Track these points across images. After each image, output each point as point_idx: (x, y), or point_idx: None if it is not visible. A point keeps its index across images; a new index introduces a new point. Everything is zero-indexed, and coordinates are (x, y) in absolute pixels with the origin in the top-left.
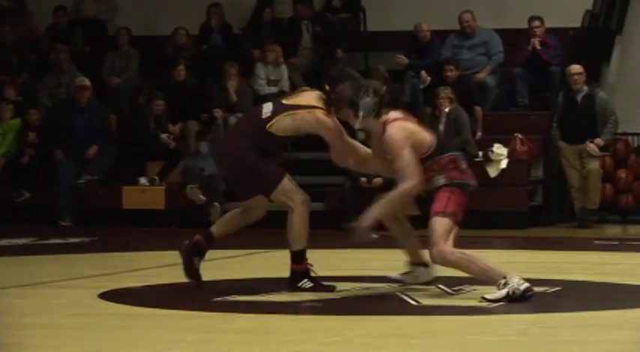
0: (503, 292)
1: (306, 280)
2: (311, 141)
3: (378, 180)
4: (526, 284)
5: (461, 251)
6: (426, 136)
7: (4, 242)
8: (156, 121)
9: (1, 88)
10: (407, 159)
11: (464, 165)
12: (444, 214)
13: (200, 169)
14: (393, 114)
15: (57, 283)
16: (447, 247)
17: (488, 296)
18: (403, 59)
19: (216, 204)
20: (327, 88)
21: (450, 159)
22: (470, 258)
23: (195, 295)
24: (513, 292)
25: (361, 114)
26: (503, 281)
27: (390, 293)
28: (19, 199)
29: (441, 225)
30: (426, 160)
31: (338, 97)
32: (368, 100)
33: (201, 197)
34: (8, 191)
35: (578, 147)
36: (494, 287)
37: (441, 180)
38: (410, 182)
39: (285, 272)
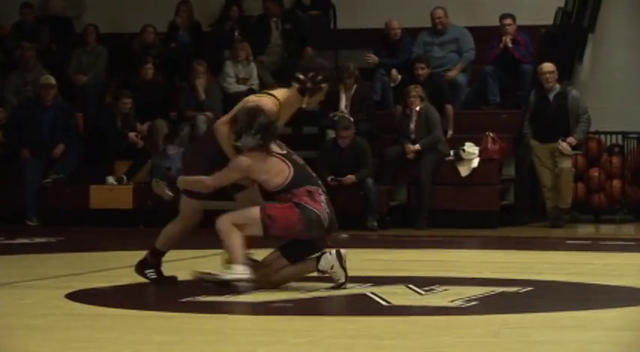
0: (226, 278)
1: (152, 270)
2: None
3: (349, 179)
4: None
5: (234, 227)
6: (281, 169)
7: None
8: (123, 120)
9: None
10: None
11: (320, 197)
12: (275, 229)
13: (167, 168)
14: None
15: (23, 283)
16: (229, 221)
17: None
18: (373, 58)
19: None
20: (300, 76)
21: (306, 190)
22: (235, 237)
23: (163, 296)
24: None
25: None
26: (234, 268)
27: (360, 294)
28: None
29: (250, 211)
30: (282, 192)
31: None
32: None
33: (168, 192)
34: None
35: (550, 146)
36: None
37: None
38: (211, 179)
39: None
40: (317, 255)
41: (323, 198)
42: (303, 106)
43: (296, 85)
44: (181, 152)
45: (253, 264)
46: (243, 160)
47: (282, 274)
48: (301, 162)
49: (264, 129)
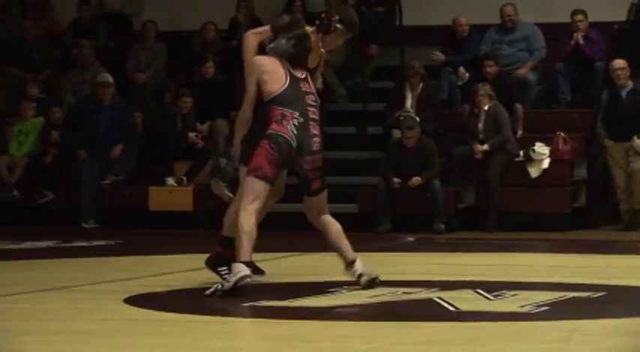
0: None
1: (225, 268)
2: (343, 140)
3: (415, 181)
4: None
5: (253, 223)
6: (280, 79)
7: (27, 244)
8: (183, 120)
9: (24, 86)
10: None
11: (288, 122)
12: (249, 172)
13: (234, 169)
14: None
15: (80, 287)
16: (248, 210)
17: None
18: (439, 56)
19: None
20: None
21: (280, 113)
22: (247, 235)
23: (223, 300)
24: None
25: None
26: (233, 267)
27: (426, 299)
28: (41, 200)
29: (247, 184)
30: (268, 103)
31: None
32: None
33: (227, 193)
34: (31, 192)
35: (624, 145)
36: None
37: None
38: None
39: (315, 276)
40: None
41: (294, 122)
42: (320, 47)
43: (309, 29)
44: None
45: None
46: (258, 58)
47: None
48: (305, 89)
49: (299, 38)
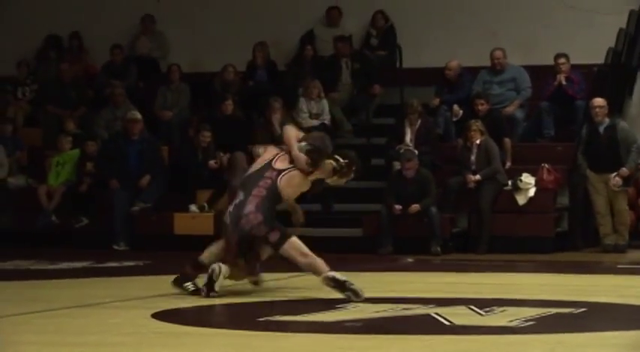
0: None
1: (191, 283)
2: None
3: (414, 207)
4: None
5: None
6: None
7: (64, 265)
8: (203, 152)
9: (62, 121)
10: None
11: (233, 202)
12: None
13: None
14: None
15: (112, 304)
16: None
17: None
18: (435, 101)
19: None
20: (340, 160)
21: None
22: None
23: (240, 315)
24: None
25: None
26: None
27: (424, 314)
28: (77, 225)
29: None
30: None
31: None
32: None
33: None
34: (68, 217)
35: (603, 177)
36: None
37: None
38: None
39: (325, 294)
40: None
41: (236, 201)
42: (328, 182)
43: (332, 164)
44: None
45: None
46: (273, 149)
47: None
48: (267, 174)
49: (317, 152)
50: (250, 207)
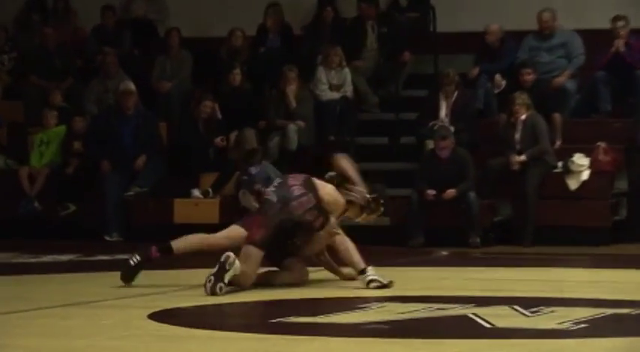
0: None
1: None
2: (375, 150)
3: (450, 193)
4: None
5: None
6: None
7: (48, 258)
8: (205, 126)
9: (46, 94)
10: None
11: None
12: None
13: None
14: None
15: (103, 302)
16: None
17: None
18: (474, 70)
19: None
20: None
21: None
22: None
23: (251, 316)
24: None
25: None
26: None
27: (461, 315)
28: (63, 213)
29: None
30: None
31: None
32: None
33: (255, 204)
34: (52, 204)
35: None
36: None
37: None
38: None
39: (343, 291)
40: None
41: (275, 183)
42: (358, 220)
43: (360, 202)
44: (266, 167)
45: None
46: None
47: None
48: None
49: (378, 198)
50: (298, 188)
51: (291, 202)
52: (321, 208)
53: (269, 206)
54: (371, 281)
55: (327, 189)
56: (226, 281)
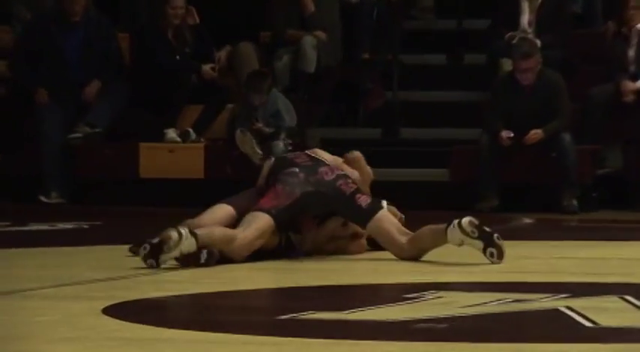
0: None
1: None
2: (428, 73)
3: (535, 135)
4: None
5: None
6: None
7: None
8: (176, 37)
9: None
10: None
11: None
12: None
13: (254, 119)
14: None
15: (41, 291)
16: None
17: None
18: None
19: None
20: None
21: None
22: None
23: (250, 310)
24: None
25: None
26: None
27: (551, 309)
28: None
29: None
30: None
31: None
32: None
33: (259, 150)
34: None
35: None
36: None
37: None
38: None
39: (380, 275)
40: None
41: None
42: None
43: None
44: (275, 96)
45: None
46: None
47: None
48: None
49: None
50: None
51: (320, 168)
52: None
53: (289, 175)
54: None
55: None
56: (160, 262)
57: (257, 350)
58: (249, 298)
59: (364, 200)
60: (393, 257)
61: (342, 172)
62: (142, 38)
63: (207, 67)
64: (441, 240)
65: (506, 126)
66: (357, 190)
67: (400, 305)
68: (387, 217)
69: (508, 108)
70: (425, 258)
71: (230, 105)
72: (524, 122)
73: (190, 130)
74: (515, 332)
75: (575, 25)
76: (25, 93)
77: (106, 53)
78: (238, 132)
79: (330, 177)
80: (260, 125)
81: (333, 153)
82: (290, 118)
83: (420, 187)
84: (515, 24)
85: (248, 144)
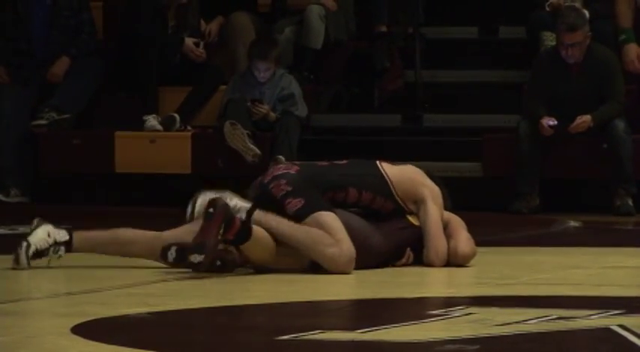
0: None
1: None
2: (455, 51)
3: (583, 122)
4: None
5: None
6: None
7: None
8: (177, 15)
9: None
10: None
11: None
12: None
13: (254, 101)
14: None
15: (1, 307)
16: None
17: None
18: None
19: (280, 156)
20: None
21: None
22: None
23: (244, 329)
24: None
25: None
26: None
27: (600, 328)
28: None
29: None
30: None
31: None
32: None
33: (251, 145)
34: None
35: None
36: None
37: None
38: None
39: (400, 289)
40: None
41: None
42: None
43: None
44: (287, 79)
45: None
46: None
47: None
48: None
49: None
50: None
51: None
52: None
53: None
54: None
55: None
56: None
57: None
58: (243, 315)
59: (294, 205)
60: (417, 267)
61: (281, 172)
62: (130, 10)
63: (190, 42)
64: None
65: (548, 111)
66: (289, 194)
67: (424, 322)
68: (319, 224)
69: (551, 91)
70: (455, 268)
71: (223, 87)
72: (570, 107)
73: (175, 116)
74: None
75: None
76: None
77: (75, 25)
78: (227, 124)
79: (266, 179)
80: (265, 107)
81: (341, 143)
82: (302, 108)
83: (446, 183)
84: None
85: (238, 139)
